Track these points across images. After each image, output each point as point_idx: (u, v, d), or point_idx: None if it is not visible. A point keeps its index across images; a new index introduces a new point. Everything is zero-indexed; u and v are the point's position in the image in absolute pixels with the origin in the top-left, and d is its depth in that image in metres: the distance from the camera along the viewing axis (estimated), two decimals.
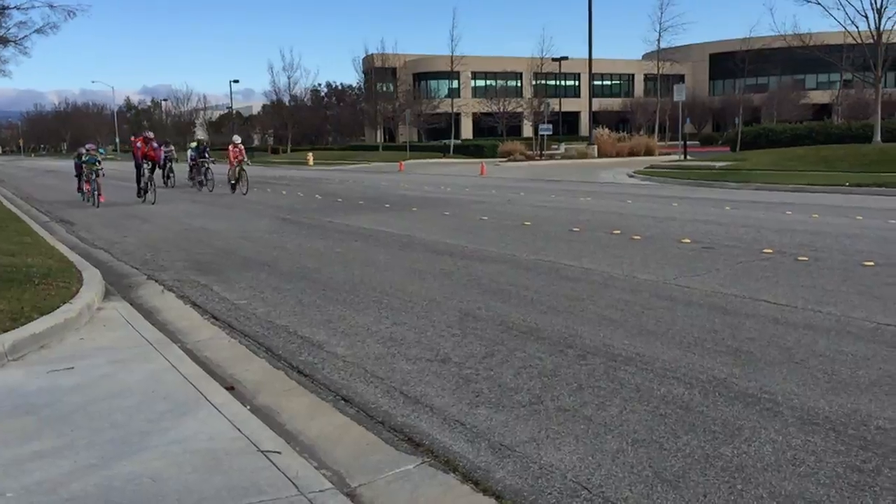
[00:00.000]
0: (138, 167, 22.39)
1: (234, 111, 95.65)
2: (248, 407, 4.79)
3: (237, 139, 25.75)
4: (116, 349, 6.02)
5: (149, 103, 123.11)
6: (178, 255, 11.49)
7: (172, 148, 32.57)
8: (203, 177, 27.21)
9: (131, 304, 7.80)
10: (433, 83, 79.93)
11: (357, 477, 3.83)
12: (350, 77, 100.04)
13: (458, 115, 71.81)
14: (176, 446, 4.11)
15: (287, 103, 78.40)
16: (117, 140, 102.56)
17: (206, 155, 27.98)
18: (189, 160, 30.42)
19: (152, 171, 22.24)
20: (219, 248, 12.30)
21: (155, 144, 22.95)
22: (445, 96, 73.11)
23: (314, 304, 7.81)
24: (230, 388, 5.16)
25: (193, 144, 30.89)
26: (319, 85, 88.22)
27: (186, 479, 3.71)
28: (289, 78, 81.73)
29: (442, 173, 37.66)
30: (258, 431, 4.30)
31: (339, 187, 27.76)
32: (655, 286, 8.18)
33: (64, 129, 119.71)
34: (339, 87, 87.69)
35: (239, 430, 4.31)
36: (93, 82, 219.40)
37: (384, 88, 73.21)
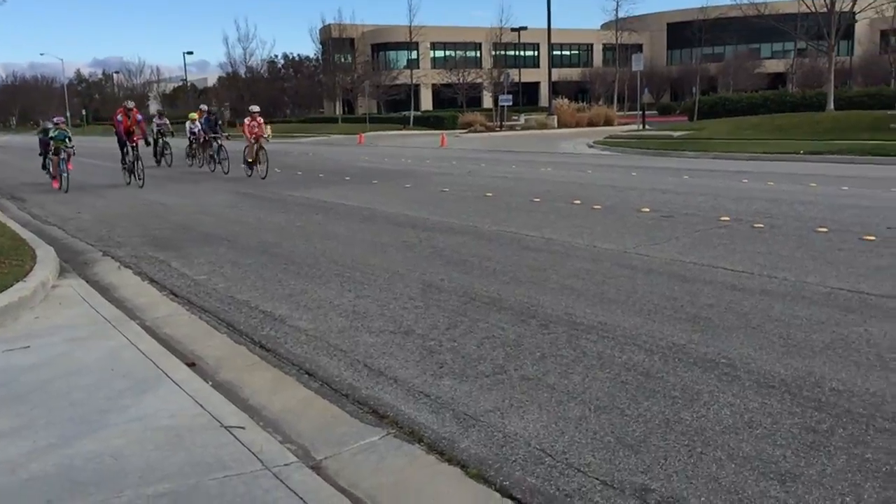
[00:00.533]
0: (122, 145, 18.81)
1: (189, 83, 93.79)
2: (210, 383, 4.75)
3: (255, 109, 20.37)
4: (73, 327, 5.91)
5: (100, 76, 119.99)
6: (134, 231, 11.29)
7: (167, 121, 26.86)
8: (216, 155, 22.34)
9: (87, 282, 7.66)
10: (392, 54, 79.16)
11: (322, 450, 3.83)
12: (307, 48, 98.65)
13: (417, 86, 71.33)
14: (137, 424, 4.06)
15: (243, 75, 77.07)
16: (68, 114, 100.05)
17: (219, 129, 23.30)
18: (188, 133, 25.30)
19: (136, 149, 18.65)
20: (176, 223, 12.11)
21: (139, 116, 19.05)
22: (404, 67, 72.50)
23: (275, 278, 7.75)
24: (191, 365, 5.10)
25: (194, 116, 25.29)
26: (276, 56, 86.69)
27: (148, 457, 3.68)
28: (244, 49, 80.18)
29: (402, 145, 37.46)
30: (221, 407, 4.27)
31: (299, 160, 27.40)
32: (616, 255, 8.26)
33: (12, 104, 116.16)
34: (297, 59, 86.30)
35: (201, 406, 4.27)
36: (41, 55, 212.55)
37: (342, 60, 72.27)
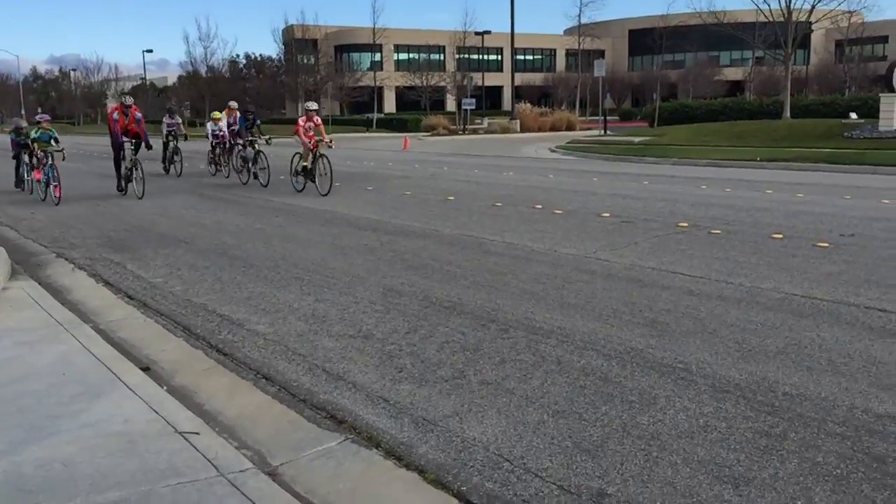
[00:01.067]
0: (118, 148, 15.76)
1: (148, 82, 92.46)
2: (165, 388, 4.67)
3: (313, 107, 16.00)
4: (24, 330, 5.77)
5: (57, 73, 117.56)
6: (89, 233, 11.08)
7: (179, 121, 22.72)
8: (251, 164, 18.12)
9: (39, 284, 7.50)
10: (355, 56, 78.89)
11: (278, 456, 3.79)
12: (270, 48, 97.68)
13: (380, 88, 71.20)
14: (88, 430, 3.98)
15: (204, 74, 76.17)
16: (23, 112, 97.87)
17: (258, 130, 18.94)
18: (210, 136, 21.16)
19: (136, 151, 15.65)
20: (133, 224, 11.91)
21: (139, 114, 16.04)
22: (368, 69, 72.34)
23: (234, 281, 7.66)
24: (146, 369, 5.02)
25: (218, 115, 21.32)
26: (238, 56, 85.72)
27: (100, 464, 3.60)
28: (205, 48, 79.08)
29: (365, 147, 37.32)
30: (175, 412, 4.20)
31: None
32: (576, 260, 8.32)
33: None
34: (259, 59, 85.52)
35: (155, 411, 4.20)
36: None
37: (305, 60, 71.84)
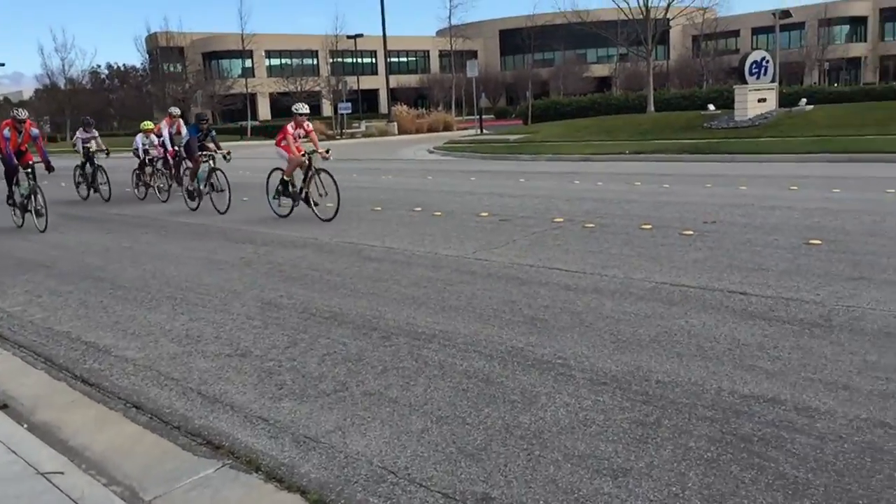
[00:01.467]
0: (10, 171, 13.14)
1: (2, 97, 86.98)
2: (25, 426, 4.37)
3: (304, 110, 12.77)
4: None
5: None
6: None
7: (97, 134, 18.38)
8: (202, 184, 14.75)
9: None
10: (225, 63, 76.86)
11: (151, 489, 3.59)
12: (133, 58, 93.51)
13: (253, 95, 69.55)
14: None
15: (63, 87, 72.41)
16: None
17: (212, 141, 15.57)
18: (139, 151, 17.62)
19: (34, 176, 12.72)
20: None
21: (34, 131, 13.34)
22: (239, 76, 70.59)
23: (100, 305, 7.26)
24: (3, 407, 4.68)
25: (148, 125, 17.99)
26: (99, 66, 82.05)
27: None
28: (63, 60, 75.34)
29: (240, 156, 36.26)
30: (37, 451, 3.94)
31: (126, 176, 25.69)
32: (456, 261, 8.36)
33: None
34: (122, 69, 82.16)
35: (14, 452, 3.92)
36: None
37: (171, 69, 69.44)
